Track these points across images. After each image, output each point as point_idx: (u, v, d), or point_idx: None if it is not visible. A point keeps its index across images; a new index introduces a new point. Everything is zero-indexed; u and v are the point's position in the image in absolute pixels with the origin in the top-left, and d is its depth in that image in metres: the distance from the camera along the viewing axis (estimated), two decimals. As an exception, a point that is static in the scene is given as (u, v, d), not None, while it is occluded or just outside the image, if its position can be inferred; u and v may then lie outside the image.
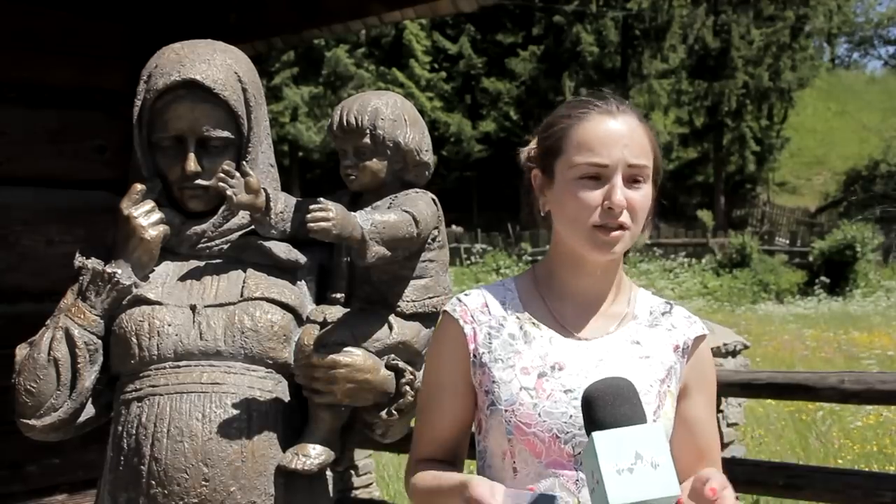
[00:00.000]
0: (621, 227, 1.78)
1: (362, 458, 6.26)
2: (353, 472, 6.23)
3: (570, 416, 1.76)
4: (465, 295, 1.94)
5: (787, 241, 31.18)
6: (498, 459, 1.83)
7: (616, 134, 1.79)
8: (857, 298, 23.27)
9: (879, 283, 25.29)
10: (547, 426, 1.77)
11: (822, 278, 24.79)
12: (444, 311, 1.93)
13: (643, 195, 1.80)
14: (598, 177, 1.79)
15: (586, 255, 1.84)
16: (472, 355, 1.87)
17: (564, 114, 1.86)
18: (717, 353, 5.20)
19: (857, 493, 3.62)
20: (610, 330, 1.89)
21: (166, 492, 2.02)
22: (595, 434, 1.46)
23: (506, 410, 1.80)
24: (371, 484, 6.35)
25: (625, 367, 1.81)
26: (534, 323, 1.88)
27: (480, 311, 1.90)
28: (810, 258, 27.16)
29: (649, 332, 1.90)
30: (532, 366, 1.83)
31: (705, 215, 32.51)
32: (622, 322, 1.90)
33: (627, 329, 1.89)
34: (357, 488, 6.24)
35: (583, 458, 1.50)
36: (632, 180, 1.79)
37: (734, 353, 6.80)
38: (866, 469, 6.33)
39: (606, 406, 1.50)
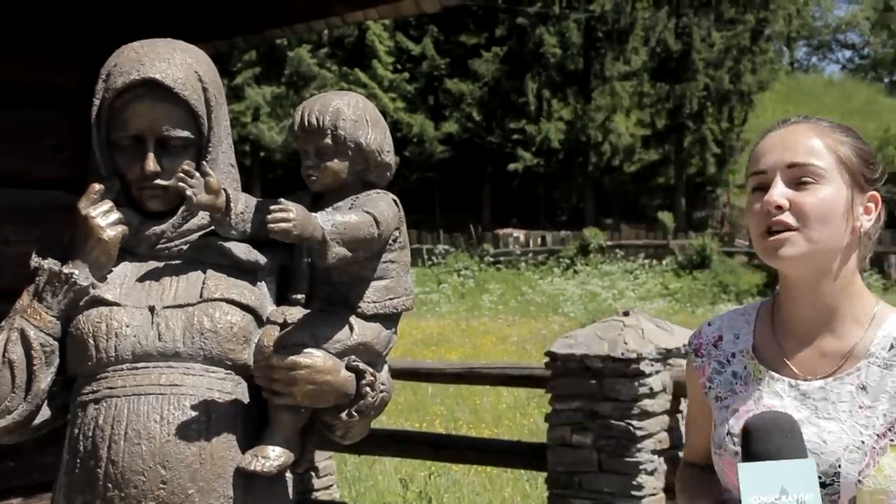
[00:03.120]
0: (787, 228, 1.72)
1: (323, 459, 6.24)
2: (313, 473, 6.21)
3: None
4: (708, 324, 1.97)
5: (747, 243, 31.46)
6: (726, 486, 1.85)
7: (774, 141, 1.80)
8: (815, 300, 23.53)
9: (837, 285, 25.60)
10: None
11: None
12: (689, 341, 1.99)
13: (816, 195, 1.73)
14: (762, 186, 1.77)
15: (772, 265, 1.78)
16: (703, 387, 1.92)
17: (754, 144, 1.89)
18: (677, 354, 5.24)
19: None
20: (830, 370, 1.77)
21: (123, 494, 1.99)
22: (741, 465, 1.45)
23: (714, 452, 1.83)
24: (332, 486, 6.34)
25: (836, 418, 1.70)
26: (756, 361, 1.85)
27: (713, 344, 1.93)
28: (769, 260, 27.43)
29: (881, 376, 1.72)
30: (744, 409, 1.79)
31: (666, 217, 32.74)
32: (850, 360, 1.76)
33: (859, 370, 1.74)
34: (318, 490, 6.22)
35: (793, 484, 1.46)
36: (797, 182, 1.75)
37: None
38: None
39: (761, 439, 1.48)
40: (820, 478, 1.65)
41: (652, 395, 5.12)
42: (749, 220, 1.81)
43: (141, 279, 2.17)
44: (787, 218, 1.72)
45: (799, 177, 1.74)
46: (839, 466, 1.66)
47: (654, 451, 5.13)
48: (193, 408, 2.05)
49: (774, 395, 1.78)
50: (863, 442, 1.68)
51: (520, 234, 31.83)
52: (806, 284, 1.78)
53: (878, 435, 1.67)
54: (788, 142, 1.78)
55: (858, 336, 1.76)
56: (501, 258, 29.84)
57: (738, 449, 1.71)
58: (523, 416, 9.78)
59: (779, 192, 1.73)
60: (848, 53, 66.58)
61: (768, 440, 1.47)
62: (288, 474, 2.23)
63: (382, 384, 2.16)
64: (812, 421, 1.71)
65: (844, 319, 1.78)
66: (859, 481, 1.65)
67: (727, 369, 1.87)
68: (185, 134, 2.16)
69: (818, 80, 53.76)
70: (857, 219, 1.78)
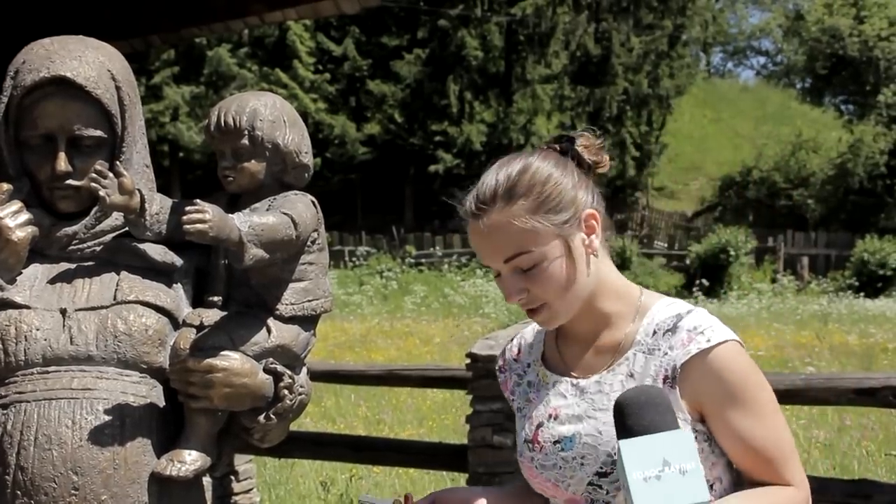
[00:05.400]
0: (540, 304, 1.81)
1: (243, 463, 6.17)
2: (233, 477, 6.14)
3: (560, 467, 1.82)
4: (510, 340, 2.06)
5: (666, 245, 32.01)
6: None
7: (482, 241, 1.82)
8: (732, 301, 24.02)
9: (752, 286, 26.16)
10: (545, 477, 1.85)
11: (703, 281, 25.50)
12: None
13: (540, 275, 1.78)
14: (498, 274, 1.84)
15: None
16: (509, 401, 2.03)
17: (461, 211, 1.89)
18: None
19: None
20: (605, 365, 1.85)
21: (33, 502, 1.94)
22: (621, 442, 1.47)
23: (519, 459, 1.91)
24: (252, 489, 6.27)
25: (609, 409, 1.74)
26: (545, 368, 1.95)
27: (514, 359, 2.04)
28: (687, 261, 27.94)
29: (645, 362, 1.81)
30: (536, 415, 1.90)
31: (587, 219, 33.04)
32: (620, 352, 1.85)
33: (627, 360, 1.83)
34: (237, 494, 6.14)
35: (616, 466, 1.52)
36: (518, 269, 1.80)
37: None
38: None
39: (634, 414, 1.50)
40: (601, 468, 1.77)
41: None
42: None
43: (52, 281, 2.12)
44: (532, 301, 1.81)
45: (518, 266, 1.79)
46: (615, 454, 1.72)
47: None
48: (107, 412, 2.01)
49: (560, 396, 1.87)
50: None
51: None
52: (578, 317, 1.87)
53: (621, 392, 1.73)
54: (490, 245, 1.80)
55: (626, 329, 1.85)
56: (423, 260, 29.88)
57: (534, 455, 1.86)
58: (445, 417, 9.80)
59: (512, 292, 1.80)
60: (762, 60, 68.11)
61: (643, 414, 1.50)
62: (206, 479, 2.20)
63: (301, 387, 2.15)
64: (589, 414, 1.81)
65: (613, 318, 1.87)
66: None
67: (524, 380, 1.98)
68: (98, 133, 2.12)
69: (734, 86, 54.87)
70: (587, 248, 1.83)
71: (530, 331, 2.05)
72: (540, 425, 1.88)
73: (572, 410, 1.84)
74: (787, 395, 3.86)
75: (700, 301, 23.67)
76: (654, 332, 1.81)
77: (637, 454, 1.44)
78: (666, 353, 1.78)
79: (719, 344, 1.76)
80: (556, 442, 1.83)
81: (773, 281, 27.42)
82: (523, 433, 1.91)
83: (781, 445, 1.79)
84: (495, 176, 1.82)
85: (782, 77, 58.41)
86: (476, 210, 1.81)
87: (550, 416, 1.87)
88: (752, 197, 37.97)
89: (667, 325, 1.81)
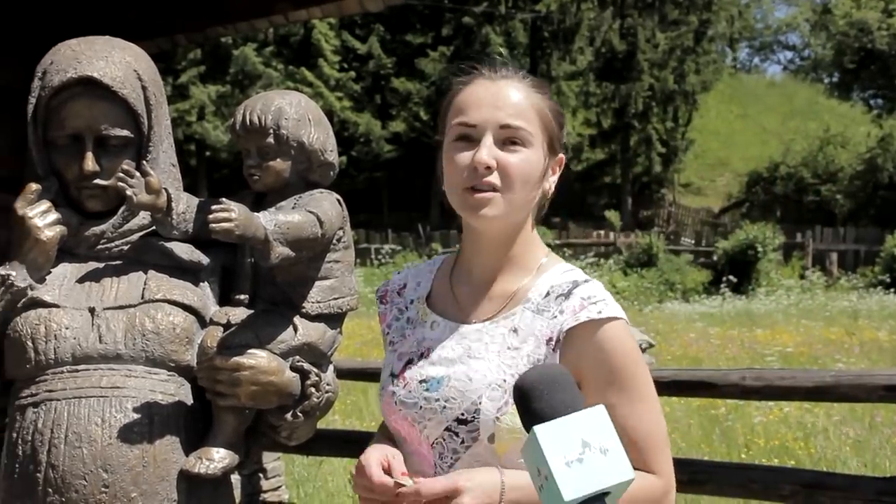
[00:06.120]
0: (493, 188, 1.79)
1: (271, 460, 6.20)
2: (261, 475, 6.16)
3: (420, 406, 1.82)
4: (396, 274, 2.05)
5: (693, 241, 31.82)
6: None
7: (488, 95, 1.82)
8: (760, 297, 23.84)
9: (780, 282, 25.96)
10: (402, 415, 1.85)
11: (730, 277, 25.33)
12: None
13: (520, 158, 1.80)
14: (469, 137, 1.81)
15: (467, 220, 1.86)
16: (384, 333, 2.01)
17: (455, 81, 1.89)
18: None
19: (758, 486, 3.71)
20: (491, 314, 1.86)
21: (64, 499, 1.96)
22: (536, 428, 1.37)
23: (379, 395, 1.91)
24: (280, 487, 6.29)
25: (485, 358, 1.80)
26: (428, 306, 1.94)
27: (397, 292, 2.01)
28: (714, 258, 27.75)
29: (532, 320, 1.82)
30: (407, 351, 1.90)
31: (613, 216, 32.96)
32: (509, 305, 1.85)
33: (513, 314, 1.84)
34: (266, 491, 6.17)
35: (524, 455, 1.42)
36: (507, 142, 1.80)
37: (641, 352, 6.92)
38: (767, 463, 6.49)
39: (542, 396, 1.41)
40: (462, 415, 1.77)
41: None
42: (449, 170, 1.83)
43: (80, 280, 2.14)
44: (494, 178, 1.78)
45: (508, 137, 1.80)
46: (480, 403, 1.76)
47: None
48: (136, 410, 2.03)
49: (436, 339, 1.88)
50: (504, 381, 1.76)
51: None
52: (492, 238, 1.87)
53: (516, 374, 1.71)
54: (501, 100, 1.81)
55: (522, 282, 1.86)
56: (450, 258, 29.88)
57: (396, 389, 1.85)
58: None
59: (489, 152, 1.78)
60: (789, 55, 67.67)
61: (551, 395, 1.41)
62: (234, 476, 2.21)
63: (327, 384, 2.15)
64: (463, 360, 1.81)
65: (514, 267, 1.88)
66: (497, 418, 1.74)
67: (404, 315, 1.97)
68: (125, 133, 2.13)
69: (760, 81, 54.51)
70: (546, 180, 1.88)
71: (423, 269, 2.04)
72: (409, 362, 1.88)
73: (446, 353, 1.84)
74: (816, 393, 3.82)
75: (727, 298, 23.55)
76: (548, 294, 1.83)
77: (554, 438, 1.35)
78: (555, 317, 1.79)
79: (611, 319, 1.78)
80: (422, 381, 1.84)
81: (802, 277, 27.19)
82: (390, 367, 1.91)
83: (653, 432, 1.80)
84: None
85: (810, 72, 57.97)
86: (503, 72, 1.86)
87: (422, 354, 1.87)
88: (780, 192, 37.67)
89: (562, 289, 1.83)
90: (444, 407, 1.80)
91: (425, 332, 1.91)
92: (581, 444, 1.35)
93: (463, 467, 1.77)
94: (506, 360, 1.79)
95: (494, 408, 1.76)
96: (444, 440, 1.80)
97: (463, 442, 1.79)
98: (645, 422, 1.79)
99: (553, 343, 1.78)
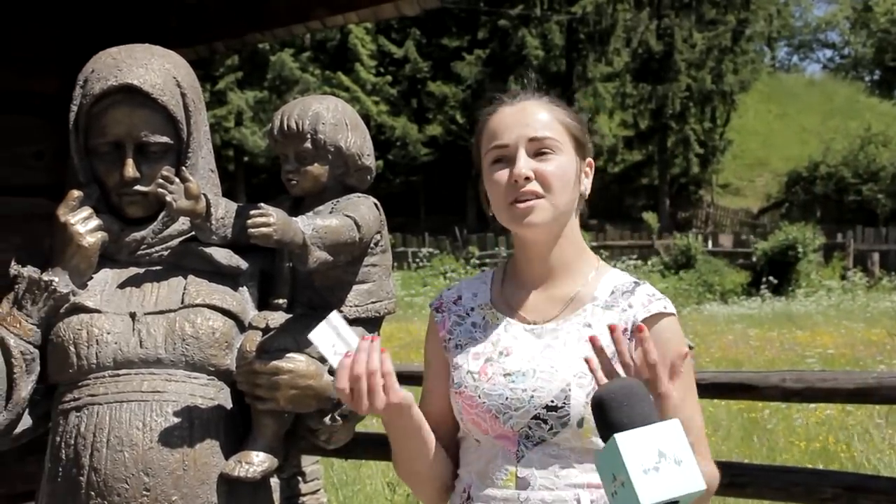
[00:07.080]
0: (536, 196, 1.92)
1: (310, 464, 6.21)
2: (300, 478, 6.19)
3: (507, 397, 1.92)
4: (447, 289, 2.16)
5: (731, 242, 31.56)
6: (464, 432, 2.01)
7: (514, 117, 1.97)
8: (800, 298, 23.60)
9: (821, 283, 25.68)
10: (486, 407, 1.93)
11: (770, 278, 25.11)
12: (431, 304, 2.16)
13: (555, 165, 1.94)
14: (504, 158, 1.95)
15: (517, 233, 1.99)
16: (443, 340, 2.06)
17: (481, 116, 2.04)
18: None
19: (800, 490, 3.66)
20: (558, 313, 1.98)
21: (106, 503, 1.98)
22: (617, 436, 1.49)
23: (455, 392, 1.98)
24: (319, 490, 6.31)
25: (569, 351, 1.92)
26: (494, 312, 2.04)
27: (453, 302, 2.10)
28: (753, 259, 27.52)
29: (603, 315, 1.96)
30: (482, 352, 1.99)
31: (650, 217, 32.81)
32: (575, 304, 1.99)
33: (584, 311, 1.98)
34: (305, 495, 6.19)
35: (598, 461, 1.55)
36: (539, 153, 1.94)
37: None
38: (810, 466, 6.42)
39: (621, 407, 1.54)
40: (552, 402, 1.89)
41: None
42: (492, 191, 1.97)
43: (121, 286, 2.16)
44: (535, 187, 1.92)
45: (539, 149, 1.94)
46: (570, 390, 1.88)
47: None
48: (176, 414, 2.04)
49: (511, 337, 1.99)
50: (587, 371, 1.83)
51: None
52: (543, 245, 2.00)
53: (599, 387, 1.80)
54: (526, 117, 1.96)
55: (581, 284, 2.01)
56: (487, 260, 29.87)
57: (479, 384, 1.94)
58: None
59: (525, 164, 1.92)
60: (829, 53, 66.94)
61: (630, 407, 1.53)
62: (273, 480, 2.22)
63: (366, 388, 2.15)
64: (545, 354, 1.94)
65: (570, 271, 2.02)
66: (587, 403, 1.85)
67: (466, 321, 2.06)
68: (164, 139, 2.15)
69: (800, 80, 53.97)
70: (581, 183, 2.02)
71: (475, 281, 2.15)
72: (489, 360, 1.97)
73: (526, 350, 1.95)
74: (858, 394, 3.77)
75: (767, 299, 23.35)
76: (613, 292, 1.99)
77: (633, 447, 1.47)
78: (625, 310, 1.96)
79: (672, 315, 1.97)
80: (506, 374, 1.94)
81: (843, 278, 26.87)
82: (466, 366, 1.98)
83: (699, 422, 1.94)
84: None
85: (850, 70, 57.35)
86: (521, 95, 2.01)
87: (501, 353, 1.97)
88: (820, 192, 37.27)
89: (626, 286, 2.00)
90: (532, 396, 1.90)
91: (499, 333, 2.00)
92: (658, 454, 1.48)
93: (546, 452, 1.90)
94: (585, 350, 1.86)
95: (584, 393, 1.86)
96: (531, 427, 1.90)
97: (551, 428, 1.88)
98: (695, 410, 1.94)
99: (628, 333, 1.90)
